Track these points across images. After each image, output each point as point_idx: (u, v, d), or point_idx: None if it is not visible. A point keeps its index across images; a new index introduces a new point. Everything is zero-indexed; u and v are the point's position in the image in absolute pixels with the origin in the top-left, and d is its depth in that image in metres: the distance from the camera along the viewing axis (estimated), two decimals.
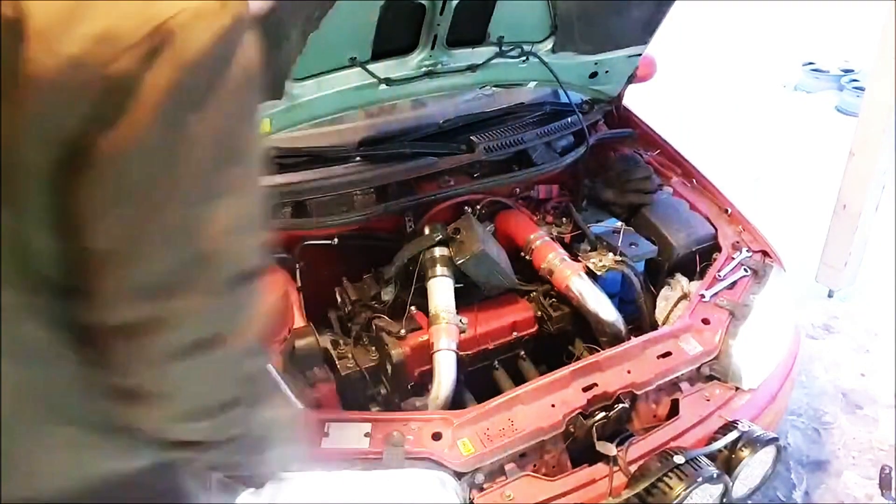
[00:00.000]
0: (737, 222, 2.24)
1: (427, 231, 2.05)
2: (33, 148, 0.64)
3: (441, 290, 1.93)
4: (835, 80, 6.45)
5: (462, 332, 1.89)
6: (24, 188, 0.66)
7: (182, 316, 0.73)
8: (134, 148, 0.64)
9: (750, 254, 2.10)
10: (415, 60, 2.02)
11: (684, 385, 1.78)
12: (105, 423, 0.82)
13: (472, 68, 2.14)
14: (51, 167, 0.65)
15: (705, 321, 1.88)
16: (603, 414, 1.64)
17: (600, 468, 1.56)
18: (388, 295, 2.03)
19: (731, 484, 1.55)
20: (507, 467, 1.53)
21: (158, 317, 0.72)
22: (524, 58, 2.19)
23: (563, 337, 2.10)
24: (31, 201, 0.67)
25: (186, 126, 0.66)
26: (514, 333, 2.03)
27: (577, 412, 1.61)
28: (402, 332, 1.88)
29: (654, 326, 2.04)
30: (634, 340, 1.80)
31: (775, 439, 1.62)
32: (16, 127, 0.63)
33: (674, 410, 1.73)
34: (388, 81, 2.02)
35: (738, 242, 2.14)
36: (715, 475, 1.49)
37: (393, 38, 1.93)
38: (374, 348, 1.94)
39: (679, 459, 1.49)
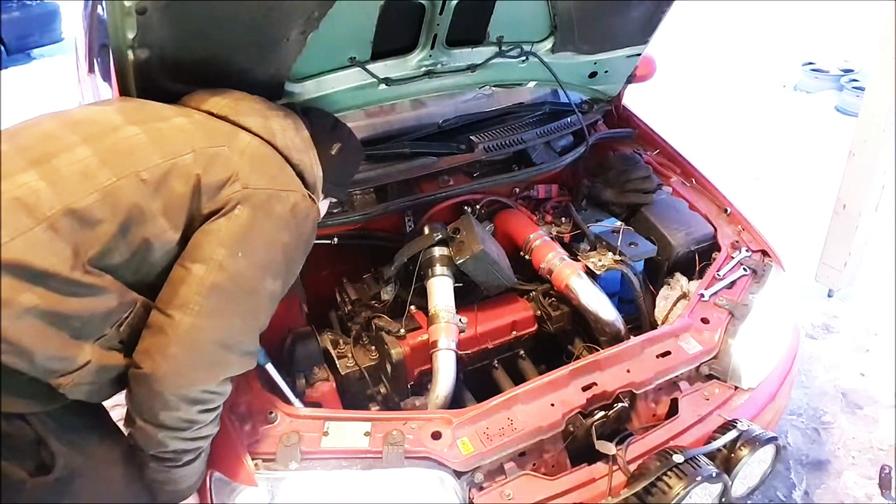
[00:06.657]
0: (736, 222, 2.24)
1: (427, 231, 2.05)
2: None
3: (441, 290, 1.93)
4: (835, 80, 6.46)
5: (462, 331, 1.89)
6: None
7: None
8: None
9: (749, 253, 2.10)
10: (414, 60, 2.02)
11: (683, 384, 1.78)
12: None
13: (471, 68, 2.14)
14: None
15: (704, 320, 1.88)
16: (602, 413, 1.65)
17: (599, 467, 1.56)
18: (387, 294, 2.03)
19: (730, 483, 1.55)
20: (506, 466, 1.53)
21: None
22: (524, 58, 2.19)
23: (562, 336, 2.10)
24: None
25: None
26: (514, 333, 2.03)
27: (576, 411, 1.61)
28: (402, 331, 1.89)
29: (654, 326, 2.04)
30: (634, 340, 1.80)
31: (774, 438, 1.62)
32: None
33: (673, 409, 1.73)
34: (387, 81, 2.02)
35: (737, 242, 2.14)
36: (714, 474, 1.49)
37: (393, 38, 1.93)
38: (373, 348, 1.95)
39: (678, 458, 1.49)
